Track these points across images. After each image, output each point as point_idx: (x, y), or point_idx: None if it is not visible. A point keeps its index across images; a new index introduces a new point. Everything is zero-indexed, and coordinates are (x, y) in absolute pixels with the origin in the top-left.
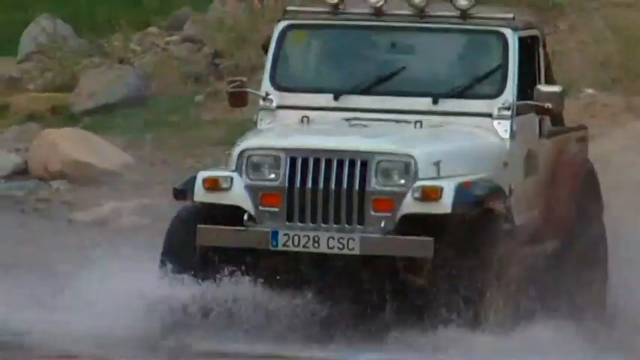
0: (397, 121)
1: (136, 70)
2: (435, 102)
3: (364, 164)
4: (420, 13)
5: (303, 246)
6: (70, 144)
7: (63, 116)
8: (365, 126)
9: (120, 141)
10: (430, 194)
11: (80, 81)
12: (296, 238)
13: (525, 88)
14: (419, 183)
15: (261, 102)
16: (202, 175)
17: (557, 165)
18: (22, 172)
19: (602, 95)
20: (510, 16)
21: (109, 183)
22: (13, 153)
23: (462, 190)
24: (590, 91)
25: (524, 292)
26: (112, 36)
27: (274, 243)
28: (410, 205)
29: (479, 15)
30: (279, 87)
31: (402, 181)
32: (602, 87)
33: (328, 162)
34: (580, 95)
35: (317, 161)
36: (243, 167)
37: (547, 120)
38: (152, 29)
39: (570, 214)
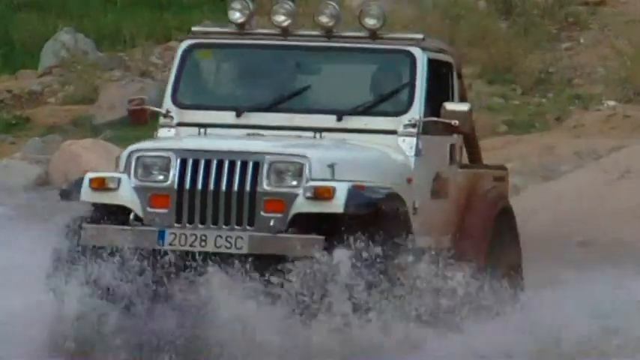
0: (299, 137)
1: (157, 82)
2: (339, 119)
3: (256, 166)
4: (328, 33)
5: (190, 245)
6: (91, 154)
7: (84, 128)
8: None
9: None
10: (322, 193)
11: (101, 94)
12: (183, 237)
13: (436, 114)
14: (311, 183)
15: (161, 119)
16: (89, 175)
17: (470, 196)
18: (43, 183)
19: (624, 107)
20: (420, 36)
21: None
22: (34, 164)
23: (355, 191)
24: (611, 102)
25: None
26: (132, 50)
27: (161, 242)
28: (301, 205)
29: (388, 35)
30: (180, 104)
31: (294, 182)
32: (624, 100)
33: (220, 163)
34: (601, 107)
35: (208, 162)
36: (132, 168)
37: (458, 148)
38: (173, 43)
39: (482, 247)
